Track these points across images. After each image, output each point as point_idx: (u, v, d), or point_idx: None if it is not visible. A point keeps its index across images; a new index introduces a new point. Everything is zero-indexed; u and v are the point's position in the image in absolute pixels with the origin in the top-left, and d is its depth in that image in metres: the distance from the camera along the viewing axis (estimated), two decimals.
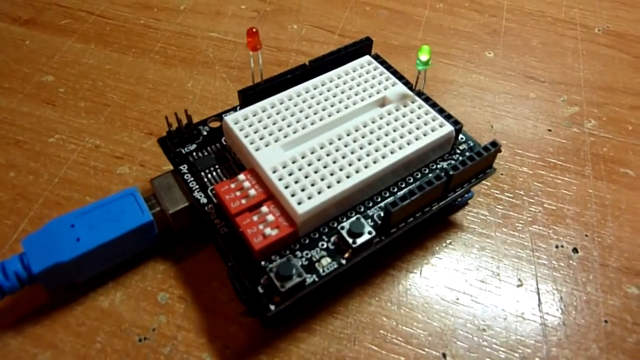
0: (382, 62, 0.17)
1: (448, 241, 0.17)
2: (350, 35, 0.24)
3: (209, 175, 0.15)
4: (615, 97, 0.22)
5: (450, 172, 0.14)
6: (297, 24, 0.24)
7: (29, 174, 0.18)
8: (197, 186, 0.15)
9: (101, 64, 0.22)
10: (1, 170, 0.18)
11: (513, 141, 0.20)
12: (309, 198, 0.13)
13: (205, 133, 0.16)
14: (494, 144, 0.15)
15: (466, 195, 0.17)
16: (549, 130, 0.20)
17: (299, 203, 0.13)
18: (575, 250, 0.17)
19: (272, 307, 0.13)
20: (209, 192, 0.15)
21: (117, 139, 0.19)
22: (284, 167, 0.14)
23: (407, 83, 0.17)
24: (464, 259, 0.17)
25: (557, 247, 0.17)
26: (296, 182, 0.14)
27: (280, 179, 0.14)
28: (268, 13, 0.25)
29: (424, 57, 0.15)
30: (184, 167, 0.16)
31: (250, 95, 0.16)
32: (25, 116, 0.20)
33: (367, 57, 0.17)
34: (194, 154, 0.16)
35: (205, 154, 0.16)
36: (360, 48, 0.17)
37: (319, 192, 0.13)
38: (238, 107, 0.17)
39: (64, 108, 0.21)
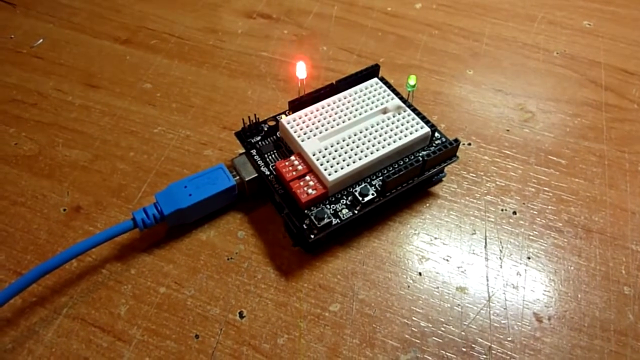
0: (385, 83, 0.25)
1: (427, 204, 0.25)
2: (366, 56, 0.32)
3: (270, 157, 0.24)
4: (560, 106, 0.29)
5: (425, 158, 0.22)
6: (326, 46, 0.32)
7: (144, 154, 0.27)
8: (262, 164, 0.23)
9: (184, 75, 0.31)
10: (125, 150, 0.27)
11: (480, 138, 0.28)
12: (335, 172, 0.21)
13: (265, 129, 0.25)
14: (456, 140, 0.23)
15: (440, 175, 0.25)
16: (507, 130, 0.28)
17: (329, 174, 0.21)
18: (514, 212, 0.25)
19: (312, 236, 0.21)
20: (270, 167, 0.23)
21: (202, 131, 0.28)
22: (319, 152, 0.22)
23: (402, 98, 0.24)
24: (439, 215, 0.24)
25: (502, 210, 0.25)
26: (327, 162, 0.22)
27: (317, 159, 0.22)
28: (304, 37, 0.33)
29: (411, 82, 0.23)
30: (254, 151, 0.24)
31: (296, 104, 0.24)
32: (134, 113, 0.29)
33: (375, 79, 0.25)
34: (259, 142, 0.24)
35: (266, 142, 0.24)
36: (371, 72, 0.25)
37: (342, 168, 0.22)
38: (287, 112, 0.25)
39: (161, 108, 0.29)
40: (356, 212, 0.21)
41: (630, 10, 0.35)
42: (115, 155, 0.27)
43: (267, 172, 0.23)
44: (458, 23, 0.34)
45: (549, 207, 0.25)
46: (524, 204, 0.25)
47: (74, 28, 0.34)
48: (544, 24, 0.34)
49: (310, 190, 0.21)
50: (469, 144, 0.27)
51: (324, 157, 0.22)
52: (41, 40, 0.33)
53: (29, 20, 0.34)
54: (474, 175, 0.26)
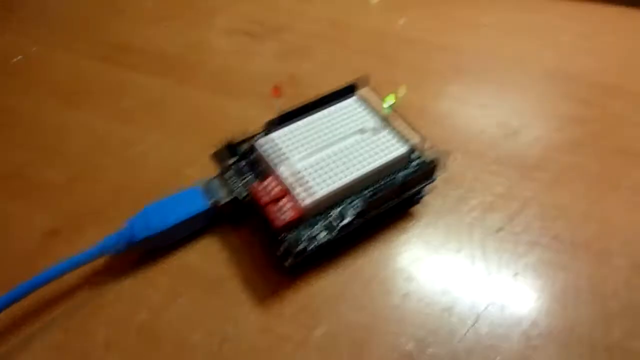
0: (364, 102, 0.25)
1: (412, 222, 0.24)
2: (349, 72, 0.31)
3: (247, 179, 0.23)
4: (544, 121, 0.29)
5: (404, 179, 0.21)
6: (310, 63, 0.32)
7: (123, 175, 0.26)
8: (238, 186, 0.23)
9: (165, 93, 0.30)
10: (104, 171, 0.26)
11: (465, 153, 0.27)
12: (311, 194, 0.21)
13: (243, 150, 0.24)
14: (432, 161, 0.22)
15: (422, 193, 0.25)
16: (492, 145, 0.27)
17: (305, 197, 0.21)
18: (500, 229, 0.24)
19: (288, 263, 0.20)
20: (246, 190, 0.23)
21: (183, 150, 0.27)
22: (295, 174, 0.22)
23: (381, 117, 0.24)
24: (424, 233, 0.24)
25: (488, 227, 0.24)
26: (304, 184, 0.21)
27: (293, 182, 0.21)
28: (288, 54, 0.32)
29: (389, 102, 0.23)
30: (230, 172, 0.23)
31: (273, 124, 0.24)
32: (114, 132, 0.28)
33: (354, 98, 0.25)
34: (236, 164, 0.24)
35: (243, 164, 0.24)
36: (350, 89, 0.25)
37: (318, 191, 0.21)
38: (264, 132, 0.24)
39: (141, 127, 0.28)
40: (334, 235, 0.21)
41: (608, 25, 0.35)
42: (94, 176, 0.26)
43: (243, 195, 0.23)
44: (441, 39, 0.33)
45: (535, 222, 0.24)
46: (509, 220, 0.24)
47: (53, 45, 0.33)
48: (525, 40, 0.34)
49: (285, 214, 0.21)
50: (454, 160, 0.27)
51: (300, 179, 0.22)
52: (20, 57, 0.33)
53: (7, 36, 0.34)
54: (458, 192, 0.26)
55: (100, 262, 0.23)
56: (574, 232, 0.24)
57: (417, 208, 0.25)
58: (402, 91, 0.23)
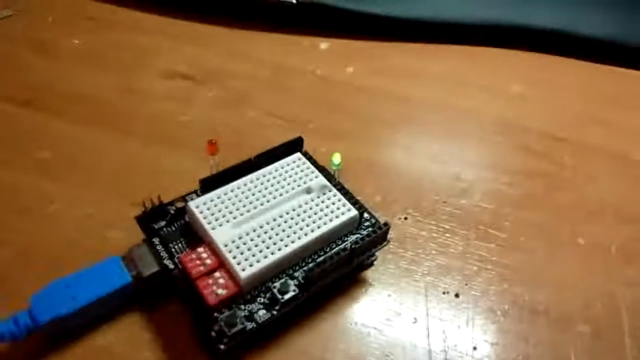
0: (309, 159, 0.23)
1: (363, 289, 0.22)
2: (295, 120, 0.29)
3: (176, 247, 0.20)
4: (496, 175, 0.28)
5: (352, 246, 0.19)
6: (253, 111, 0.30)
7: (35, 237, 0.23)
8: (166, 255, 0.20)
9: (91, 142, 0.27)
10: (11, 233, 0.23)
11: (417, 210, 0.25)
12: (250, 266, 0.18)
13: (172, 212, 0.21)
14: (385, 224, 0.20)
15: (371, 258, 0.23)
16: (444, 202, 0.26)
17: (243, 270, 0.18)
18: (457, 295, 0.22)
19: (222, 347, 0.17)
20: (175, 260, 0.20)
21: (107, 209, 0.24)
22: (232, 242, 0.19)
23: (327, 175, 0.22)
24: (376, 301, 0.22)
25: (443, 293, 0.22)
26: (241, 254, 0.19)
27: (229, 251, 0.19)
28: (229, 101, 0.30)
29: (336, 160, 0.21)
30: (156, 239, 0.21)
31: (208, 183, 0.21)
32: (27, 187, 0.24)
33: (298, 154, 0.23)
34: (164, 229, 0.21)
35: (172, 229, 0.21)
36: (294, 145, 0.23)
37: (258, 261, 0.19)
38: (199, 191, 0.22)
39: (60, 181, 0.25)
40: (275, 312, 0.18)
41: (561, 76, 0.35)
42: None
43: (172, 266, 0.20)
44: (390, 88, 0.32)
45: (492, 287, 0.23)
46: (466, 284, 0.23)
47: None
48: (475, 89, 0.33)
49: (219, 290, 0.18)
50: (405, 219, 0.25)
51: (237, 248, 0.19)
52: None
53: None
54: (413, 253, 0.24)
55: None
56: (532, 296, 0.23)
57: (369, 272, 0.23)
58: (340, 156, 0.22)
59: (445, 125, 0.30)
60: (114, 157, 0.26)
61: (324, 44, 0.35)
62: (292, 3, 0.34)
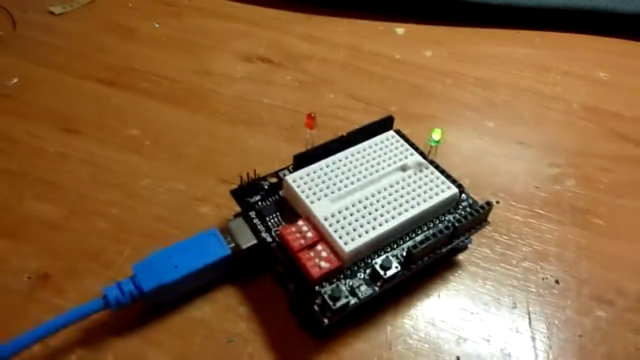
0: (403, 136, 0.22)
1: (458, 273, 0.21)
2: (376, 104, 0.29)
3: (272, 220, 0.20)
4: (589, 160, 0.27)
5: (455, 224, 0.19)
6: (333, 93, 0.30)
7: (127, 211, 0.23)
8: (263, 228, 0.20)
9: (177, 122, 0.27)
10: (105, 206, 0.23)
11: (509, 195, 0.25)
12: (352, 240, 0.18)
13: (266, 187, 0.21)
14: (488, 203, 0.20)
15: (466, 240, 0.22)
16: (537, 186, 0.25)
17: (345, 243, 0.18)
18: (557, 281, 0.21)
19: (326, 321, 0.17)
20: (273, 233, 0.20)
21: (196, 185, 0.24)
22: (332, 216, 0.19)
23: (422, 153, 0.22)
24: (473, 286, 0.21)
25: (543, 279, 0.22)
26: (342, 228, 0.18)
27: (330, 225, 0.19)
28: (309, 83, 0.30)
29: (436, 136, 0.20)
30: (252, 213, 0.21)
31: (302, 159, 0.21)
32: (118, 163, 0.25)
33: (391, 132, 0.22)
34: (259, 203, 0.21)
35: (267, 203, 0.21)
36: (386, 123, 0.22)
37: (359, 236, 0.18)
38: (291, 167, 0.22)
39: (150, 157, 0.25)
40: (377, 288, 0.18)
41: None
42: (93, 212, 0.23)
43: (269, 239, 0.20)
44: (472, 72, 0.31)
45: (594, 274, 0.22)
46: (565, 270, 0.22)
47: (53, 67, 0.31)
48: (560, 75, 0.32)
49: (322, 263, 0.18)
50: (497, 202, 0.24)
51: (337, 222, 0.19)
52: (16, 80, 0.30)
53: (3, 57, 0.31)
54: (507, 237, 0.23)
55: (99, 315, 0.19)
56: (637, 285, 0.21)
57: (463, 255, 0.22)
58: (440, 132, 0.21)
59: (532, 110, 0.29)
60: (200, 135, 0.27)
61: (399, 29, 0.34)
62: None
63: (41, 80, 0.30)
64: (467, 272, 0.22)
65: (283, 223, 0.20)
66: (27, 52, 0.32)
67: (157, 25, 0.34)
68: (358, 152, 0.21)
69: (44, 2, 0.36)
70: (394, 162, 0.21)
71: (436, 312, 0.20)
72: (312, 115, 0.20)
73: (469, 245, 0.22)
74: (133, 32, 0.34)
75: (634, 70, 0.33)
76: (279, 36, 0.34)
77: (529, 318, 0.20)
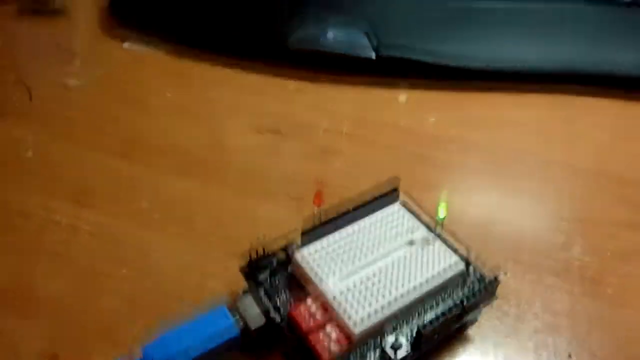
0: (408, 209, 0.22)
1: (467, 349, 0.21)
2: (382, 173, 0.29)
3: (281, 297, 0.20)
4: (597, 227, 0.27)
5: (464, 302, 0.19)
6: (339, 163, 0.30)
7: (137, 287, 0.23)
8: (271, 307, 0.20)
9: (186, 194, 0.28)
10: (116, 282, 0.23)
11: (516, 264, 0.24)
12: (362, 320, 0.18)
13: (275, 262, 0.22)
14: (496, 278, 0.20)
15: (476, 315, 0.22)
16: (545, 254, 0.25)
17: (354, 324, 0.18)
18: (569, 355, 0.21)
19: None
20: (282, 313, 0.20)
21: (205, 259, 0.24)
22: (341, 294, 0.19)
23: (427, 225, 0.22)
24: None
25: (555, 352, 0.21)
26: (351, 307, 0.19)
27: (339, 304, 0.19)
28: (315, 153, 0.31)
29: (442, 214, 0.20)
30: (261, 291, 0.21)
31: (310, 235, 0.21)
32: (128, 236, 0.25)
33: (397, 205, 0.23)
34: (268, 280, 0.21)
35: (276, 280, 0.21)
36: (391, 194, 0.23)
37: (368, 316, 0.18)
38: (299, 243, 0.22)
39: (159, 231, 0.26)
40: None
41: None
42: (103, 288, 0.23)
43: (278, 319, 0.20)
44: (474, 137, 0.32)
45: (607, 347, 0.21)
46: (578, 344, 0.21)
47: (67, 139, 0.32)
48: (560, 139, 0.32)
49: (332, 345, 0.18)
50: (505, 274, 0.24)
51: (346, 301, 0.19)
52: (31, 153, 0.31)
53: (18, 129, 0.32)
54: (517, 310, 0.23)
55: None
56: None
57: (471, 329, 0.22)
58: (446, 207, 0.21)
59: (536, 175, 0.30)
60: (209, 208, 0.27)
61: (402, 95, 0.36)
62: (371, 58, 0.35)
63: (55, 152, 0.31)
64: (477, 348, 0.21)
65: (292, 300, 0.20)
66: (42, 124, 0.33)
67: (168, 95, 0.36)
68: (364, 227, 0.22)
69: (59, 75, 0.37)
70: (401, 237, 0.21)
71: None
72: (320, 192, 0.21)
73: (478, 317, 0.22)
74: (145, 103, 0.35)
75: (636, 132, 0.33)
76: (287, 106, 0.35)
77: None
